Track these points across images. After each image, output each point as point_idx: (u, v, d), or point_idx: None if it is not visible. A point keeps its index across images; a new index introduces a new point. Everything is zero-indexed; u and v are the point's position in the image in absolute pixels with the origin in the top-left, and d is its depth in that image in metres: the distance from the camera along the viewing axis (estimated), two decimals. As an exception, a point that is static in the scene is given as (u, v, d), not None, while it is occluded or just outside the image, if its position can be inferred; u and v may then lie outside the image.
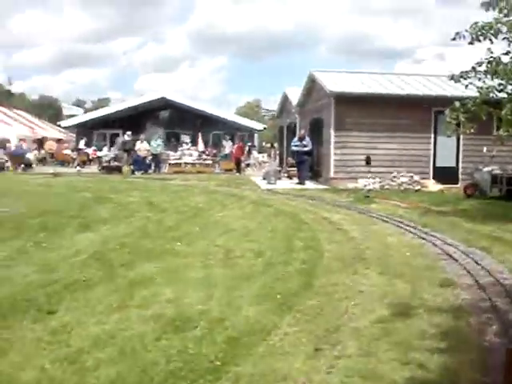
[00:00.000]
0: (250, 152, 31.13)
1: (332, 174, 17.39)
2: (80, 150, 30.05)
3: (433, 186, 16.79)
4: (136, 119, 34.64)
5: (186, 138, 30.05)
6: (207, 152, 31.16)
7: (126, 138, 25.39)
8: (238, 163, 24.57)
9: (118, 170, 23.86)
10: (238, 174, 23.72)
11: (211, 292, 5.13)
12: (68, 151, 31.59)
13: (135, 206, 11.48)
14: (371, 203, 12.73)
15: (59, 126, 36.36)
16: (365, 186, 15.38)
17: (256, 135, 34.78)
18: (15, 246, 7.13)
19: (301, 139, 18.25)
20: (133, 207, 11.34)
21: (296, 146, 18.27)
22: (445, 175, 17.24)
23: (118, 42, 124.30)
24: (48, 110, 65.60)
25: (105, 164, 24.61)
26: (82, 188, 15.45)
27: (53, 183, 17.41)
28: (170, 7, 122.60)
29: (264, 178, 18.96)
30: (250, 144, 33.25)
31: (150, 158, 24.73)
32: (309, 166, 18.69)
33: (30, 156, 31.97)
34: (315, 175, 19.38)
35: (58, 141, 35.54)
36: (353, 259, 6.65)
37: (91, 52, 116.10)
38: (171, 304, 4.77)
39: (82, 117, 34.70)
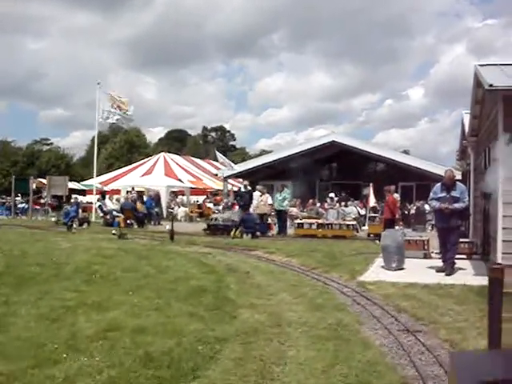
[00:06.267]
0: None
1: (499, 257, 8.47)
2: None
3: None
4: (306, 169, 28.85)
5: (332, 194, 22.55)
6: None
7: (243, 189, 19.18)
8: (386, 225, 15.98)
9: (227, 231, 17.67)
10: (378, 241, 15.33)
11: None
12: (211, 205, 26.80)
13: None
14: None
15: (216, 175, 32.06)
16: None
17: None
18: None
19: (447, 187, 9.61)
20: None
21: (437, 199, 9.65)
22: None
23: (357, 99, 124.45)
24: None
25: (211, 223, 18.65)
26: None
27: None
28: (410, 63, 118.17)
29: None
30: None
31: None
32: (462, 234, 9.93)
33: (180, 211, 28.26)
34: (483, 252, 10.48)
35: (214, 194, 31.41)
36: None
37: (332, 110, 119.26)
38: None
39: (240, 166, 29.63)
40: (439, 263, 10.01)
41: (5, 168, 54.27)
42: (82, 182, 39.33)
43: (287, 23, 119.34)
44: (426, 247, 11.65)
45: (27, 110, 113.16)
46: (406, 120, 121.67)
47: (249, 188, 19.06)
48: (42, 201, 33.78)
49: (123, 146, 72.00)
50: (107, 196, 26.33)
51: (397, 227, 16.83)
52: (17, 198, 38.39)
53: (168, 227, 18.08)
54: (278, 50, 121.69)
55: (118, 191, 31.00)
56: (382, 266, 10.16)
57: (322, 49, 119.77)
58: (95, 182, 43.65)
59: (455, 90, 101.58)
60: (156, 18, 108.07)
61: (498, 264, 8.30)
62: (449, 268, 9.38)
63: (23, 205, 35.40)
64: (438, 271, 9.55)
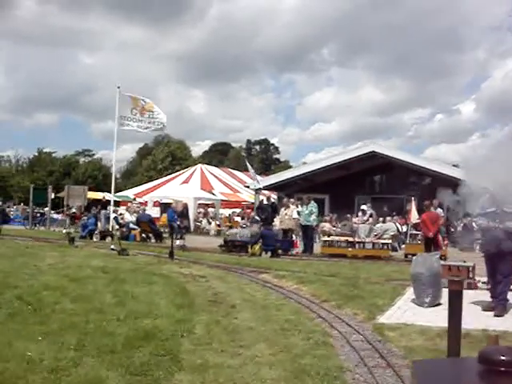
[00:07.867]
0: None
1: None
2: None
3: None
4: (345, 182, 26.66)
5: (364, 206, 20.25)
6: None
7: (265, 202, 17.17)
8: (429, 243, 13.59)
9: (245, 247, 15.72)
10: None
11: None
12: (238, 219, 24.92)
13: None
14: None
15: (247, 187, 30.01)
16: None
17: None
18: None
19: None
20: None
21: (485, 215, 7.35)
22: None
23: (407, 114, 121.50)
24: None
25: (228, 238, 16.71)
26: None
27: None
28: (461, 78, 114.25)
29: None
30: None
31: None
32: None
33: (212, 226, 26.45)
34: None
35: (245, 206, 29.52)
36: None
37: (381, 125, 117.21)
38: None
39: (265, 180, 27.45)
40: (487, 296, 7.71)
41: (41, 178, 53.99)
42: (116, 194, 38.25)
43: (337, 38, 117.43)
44: (470, 275, 9.29)
45: (79, 123, 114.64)
46: (457, 135, 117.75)
47: (272, 200, 17.05)
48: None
49: (165, 158, 70.86)
50: (124, 207, 24.74)
51: (443, 248, 14.49)
52: (45, 209, 37.31)
53: (179, 243, 16.26)
54: (328, 65, 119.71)
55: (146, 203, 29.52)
56: (413, 300, 7.93)
57: (372, 63, 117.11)
58: (129, 193, 42.39)
59: (508, 104, 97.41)
60: (207, 33, 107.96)
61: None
62: (499, 307, 7.09)
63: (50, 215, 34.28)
64: (484, 310, 7.25)
